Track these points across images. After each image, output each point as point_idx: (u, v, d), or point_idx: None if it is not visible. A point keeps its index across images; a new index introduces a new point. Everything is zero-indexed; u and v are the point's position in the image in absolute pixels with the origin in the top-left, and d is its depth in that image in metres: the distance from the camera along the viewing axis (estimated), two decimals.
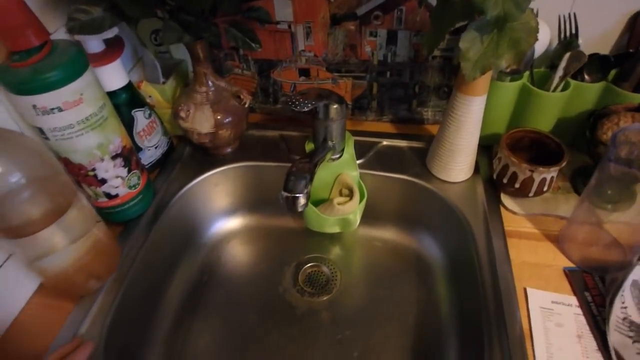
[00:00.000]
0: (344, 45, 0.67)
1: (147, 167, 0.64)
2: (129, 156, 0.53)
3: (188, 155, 0.70)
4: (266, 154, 0.70)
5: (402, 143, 0.71)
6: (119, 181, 0.52)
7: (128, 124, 0.58)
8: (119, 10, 0.44)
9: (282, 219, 0.74)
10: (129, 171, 0.53)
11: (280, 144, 0.72)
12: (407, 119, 0.74)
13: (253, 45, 0.56)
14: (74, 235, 0.45)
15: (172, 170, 0.67)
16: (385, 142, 0.71)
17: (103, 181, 0.51)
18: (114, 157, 0.50)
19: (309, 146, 0.64)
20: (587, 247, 0.56)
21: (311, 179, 0.49)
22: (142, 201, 0.58)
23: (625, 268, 0.52)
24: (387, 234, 0.71)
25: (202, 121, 0.62)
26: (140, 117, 0.60)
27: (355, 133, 0.67)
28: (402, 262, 0.69)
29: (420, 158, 0.68)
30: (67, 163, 0.48)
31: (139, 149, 0.61)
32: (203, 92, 0.62)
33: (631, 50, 0.59)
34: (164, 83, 0.65)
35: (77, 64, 0.44)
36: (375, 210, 0.69)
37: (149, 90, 0.64)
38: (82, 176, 0.50)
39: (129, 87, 0.58)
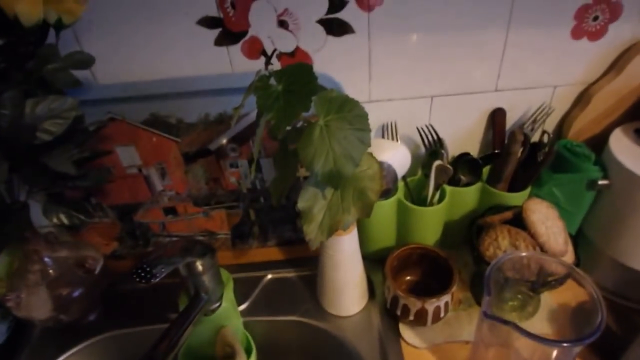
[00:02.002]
0: (205, 179, 0.61)
1: None
2: None
3: (39, 335, 0.58)
4: (138, 314, 0.60)
5: (290, 273, 0.64)
6: None
7: None
8: None
9: None
10: None
11: (153, 298, 0.62)
12: (293, 240, 0.67)
13: (80, 217, 0.47)
14: None
15: None
16: (271, 275, 0.63)
17: None
18: None
19: (183, 301, 0.55)
20: None
21: None
22: None
23: None
24: None
25: (37, 306, 0.51)
26: None
27: (237, 268, 0.60)
28: None
29: (311, 289, 0.61)
30: None
31: None
32: (37, 270, 0.51)
33: (497, 151, 0.57)
34: None
35: None
36: (270, 358, 0.60)
37: None
38: None
39: None
